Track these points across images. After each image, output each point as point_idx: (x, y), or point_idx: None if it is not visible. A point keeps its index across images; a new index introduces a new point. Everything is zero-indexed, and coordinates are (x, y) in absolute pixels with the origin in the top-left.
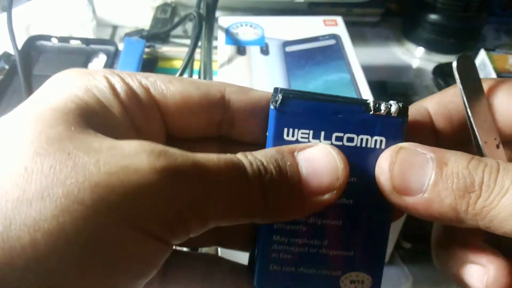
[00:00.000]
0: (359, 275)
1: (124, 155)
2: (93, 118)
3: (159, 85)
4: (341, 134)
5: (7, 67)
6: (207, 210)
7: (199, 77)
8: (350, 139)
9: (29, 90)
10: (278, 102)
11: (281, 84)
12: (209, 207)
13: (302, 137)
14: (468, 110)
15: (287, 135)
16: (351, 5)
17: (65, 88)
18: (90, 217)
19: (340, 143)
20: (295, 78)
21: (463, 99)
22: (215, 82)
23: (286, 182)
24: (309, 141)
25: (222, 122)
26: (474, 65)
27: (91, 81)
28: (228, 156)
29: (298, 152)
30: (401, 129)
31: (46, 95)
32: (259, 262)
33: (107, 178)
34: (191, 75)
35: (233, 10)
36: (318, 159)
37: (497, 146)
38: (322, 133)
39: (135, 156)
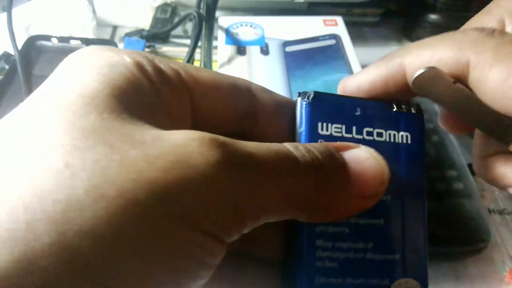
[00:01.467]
0: (408, 282)
1: (175, 147)
2: (125, 100)
3: (189, 69)
4: (371, 129)
5: (7, 67)
6: (262, 204)
7: None
8: (380, 134)
9: (29, 90)
10: (311, 97)
11: (281, 84)
12: (264, 201)
13: (335, 131)
14: (451, 112)
15: (321, 129)
16: (351, 5)
17: (87, 67)
18: (150, 219)
19: (371, 138)
20: (295, 78)
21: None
22: (240, 78)
23: (338, 177)
24: (342, 136)
25: (246, 116)
26: (437, 74)
27: (114, 58)
28: (277, 146)
29: (344, 152)
30: (421, 124)
31: (67, 78)
32: (303, 273)
33: (161, 175)
34: None
35: (233, 10)
36: (364, 161)
37: (496, 120)
38: (354, 128)
39: (186, 148)
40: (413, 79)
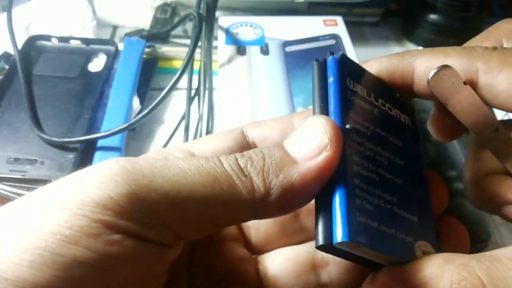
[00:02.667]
0: (427, 245)
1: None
2: None
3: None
4: (384, 102)
5: (7, 67)
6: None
7: (199, 77)
8: (390, 108)
9: (29, 90)
10: (340, 55)
11: (281, 84)
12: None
13: (359, 90)
14: (455, 115)
15: (349, 84)
16: (351, 5)
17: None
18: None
19: (385, 108)
20: (295, 78)
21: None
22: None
23: (271, 157)
24: (364, 97)
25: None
26: (452, 73)
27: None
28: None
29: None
30: (415, 117)
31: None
32: (346, 209)
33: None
34: (191, 75)
35: (233, 10)
36: (298, 132)
37: (496, 130)
38: (372, 95)
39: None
40: (430, 75)
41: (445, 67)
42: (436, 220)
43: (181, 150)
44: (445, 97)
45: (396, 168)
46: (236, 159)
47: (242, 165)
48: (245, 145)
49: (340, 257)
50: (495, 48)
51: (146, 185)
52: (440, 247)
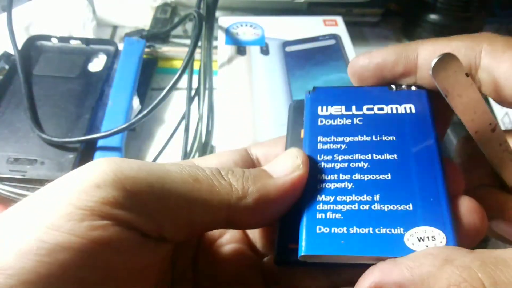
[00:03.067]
0: (427, 230)
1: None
2: None
3: None
4: (371, 106)
5: (7, 67)
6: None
7: (199, 77)
8: (380, 109)
9: (29, 90)
10: (311, 90)
11: (281, 84)
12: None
13: (335, 111)
14: (454, 109)
15: (321, 111)
16: (351, 5)
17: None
18: None
19: (372, 112)
20: (295, 78)
21: (446, 100)
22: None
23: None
24: (341, 114)
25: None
26: (455, 62)
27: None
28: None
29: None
30: (426, 96)
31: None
32: (305, 225)
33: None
34: (191, 75)
35: (233, 10)
36: (275, 158)
37: (493, 130)
38: (354, 107)
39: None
40: (433, 63)
41: (448, 55)
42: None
43: (188, 164)
44: (446, 88)
45: (382, 165)
46: (218, 169)
47: (222, 173)
48: (249, 161)
49: (322, 267)
50: (501, 35)
51: (133, 177)
52: None
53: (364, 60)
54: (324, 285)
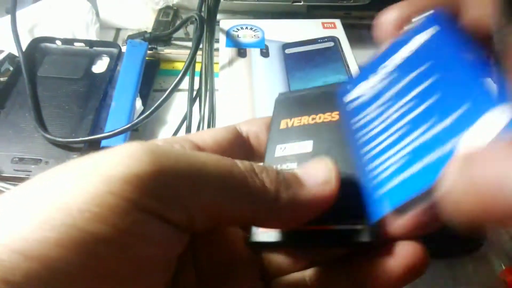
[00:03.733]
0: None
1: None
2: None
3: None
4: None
5: (11, 68)
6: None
7: (200, 79)
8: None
9: (34, 91)
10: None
11: (281, 85)
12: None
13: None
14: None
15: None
16: (349, 8)
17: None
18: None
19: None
20: (295, 80)
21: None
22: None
23: (290, 182)
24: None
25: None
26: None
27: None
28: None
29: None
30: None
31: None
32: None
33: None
34: (192, 77)
35: (233, 13)
36: (308, 164)
37: None
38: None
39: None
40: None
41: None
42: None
43: (184, 139)
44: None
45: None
46: (252, 165)
47: (256, 170)
48: (240, 139)
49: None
50: None
51: (170, 167)
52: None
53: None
54: (304, 264)
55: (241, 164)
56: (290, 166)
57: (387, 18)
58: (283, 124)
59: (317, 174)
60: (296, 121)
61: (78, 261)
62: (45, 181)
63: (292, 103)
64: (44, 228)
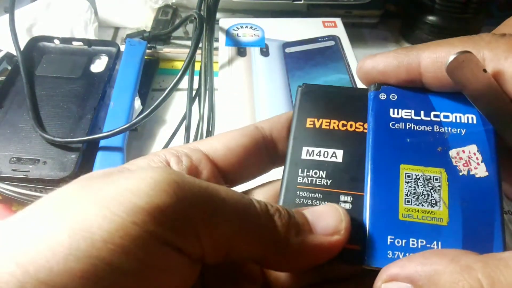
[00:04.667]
0: None
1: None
2: None
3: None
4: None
5: (9, 68)
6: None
7: (200, 78)
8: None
9: (32, 91)
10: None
11: (281, 84)
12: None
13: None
14: (473, 103)
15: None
16: (350, 6)
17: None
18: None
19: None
20: (295, 79)
21: (469, 99)
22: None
23: (299, 224)
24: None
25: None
26: (472, 59)
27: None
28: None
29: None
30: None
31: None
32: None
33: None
34: (192, 76)
35: (233, 11)
36: (320, 209)
37: None
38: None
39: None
40: (449, 60)
41: (465, 52)
42: None
43: (194, 149)
44: (462, 84)
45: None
46: (266, 206)
47: (270, 211)
48: (260, 140)
49: None
50: (503, 35)
51: (191, 200)
52: None
53: (368, 65)
54: (314, 279)
55: (258, 205)
56: (318, 174)
57: (373, 68)
58: (309, 123)
59: (328, 223)
60: (325, 123)
61: None
62: (68, 202)
63: (318, 100)
64: (69, 259)
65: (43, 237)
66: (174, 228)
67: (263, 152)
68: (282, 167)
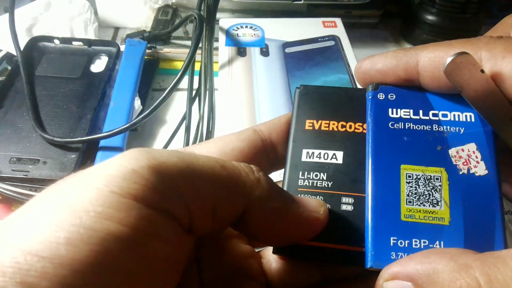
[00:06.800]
0: None
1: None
2: None
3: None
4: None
5: (9, 68)
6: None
7: (200, 78)
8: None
9: (32, 91)
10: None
11: (281, 84)
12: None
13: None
14: (471, 104)
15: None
16: (350, 7)
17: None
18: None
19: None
20: (295, 79)
21: (466, 99)
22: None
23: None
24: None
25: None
26: (470, 60)
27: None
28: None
29: None
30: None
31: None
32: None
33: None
34: (192, 76)
35: (233, 12)
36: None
37: (511, 119)
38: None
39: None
40: (447, 62)
41: (462, 53)
42: None
43: (187, 151)
44: (460, 85)
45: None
46: (250, 165)
47: (254, 169)
48: (258, 143)
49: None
50: (500, 37)
51: (164, 161)
52: None
53: (367, 65)
54: (316, 279)
55: (236, 163)
56: (319, 176)
57: (371, 68)
58: (308, 125)
59: (309, 203)
60: (324, 125)
61: (90, 258)
62: (54, 188)
63: (317, 101)
64: (54, 229)
65: (31, 215)
66: (155, 188)
67: (262, 155)
68: (282, 170)
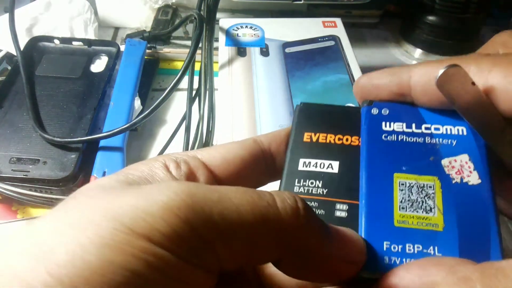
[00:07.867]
0: None
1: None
2: None
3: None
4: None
5: (9, 68)
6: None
7: (200, 78)
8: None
9: (32, 91)
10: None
11: (281, 84)
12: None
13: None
14: (463, 116)
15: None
16: (350, 7)
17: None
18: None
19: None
20: (295, 79)
21: (459, 112)
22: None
23: (319, 233)
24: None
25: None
26: (461, 72)
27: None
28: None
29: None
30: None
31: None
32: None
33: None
34: (192, 76)
35: (233, 11)
36: (345, 230)
37: (503, 131)
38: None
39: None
40: (438, 74)
41: (454, 66)
42: None
43: (192, 157)
44: (452, 97)
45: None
46: (292, 205)
47: (296, 210)
48: (258, 153)
49: None
50: (487, 55)
51: (205, 222)
52: None
53: (364, 80)
54: (310, 284)
55: (281, 204)
56: (315, 184)
57: (368, 83)
58: (306, 137)
59: (351, 249)
60: (322, 137)
61: None
62: (76, 219)
63: (315, 116)
64: (95, 275)
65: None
66: (190, 247)
67: (261, 165)
68: (279, 181)
